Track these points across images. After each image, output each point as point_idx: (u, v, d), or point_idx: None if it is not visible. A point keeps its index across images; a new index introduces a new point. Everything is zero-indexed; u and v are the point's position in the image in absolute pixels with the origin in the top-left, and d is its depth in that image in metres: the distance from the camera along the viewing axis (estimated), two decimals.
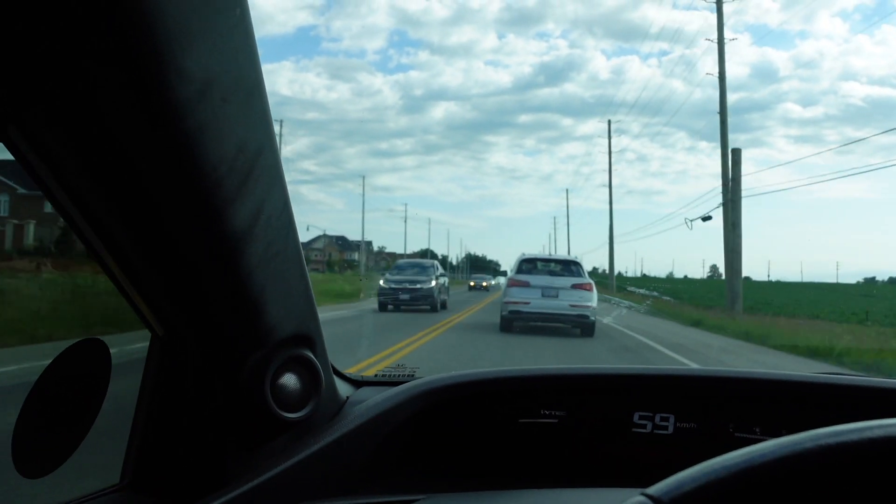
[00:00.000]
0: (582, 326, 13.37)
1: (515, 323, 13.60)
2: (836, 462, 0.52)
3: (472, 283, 52.24)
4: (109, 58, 0.69)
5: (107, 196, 0.84)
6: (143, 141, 0.78)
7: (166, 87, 0.73)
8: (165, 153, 0.79)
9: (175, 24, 0.70)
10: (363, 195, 70.03)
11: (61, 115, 0.75)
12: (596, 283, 14.35)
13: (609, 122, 47.69)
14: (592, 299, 13.45)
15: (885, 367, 11.23)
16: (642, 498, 0.53)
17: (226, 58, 0.78)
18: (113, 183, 0.82)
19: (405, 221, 77.41)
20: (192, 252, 0.92)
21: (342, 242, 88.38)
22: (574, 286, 13.49)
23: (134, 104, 0.74)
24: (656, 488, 0.53)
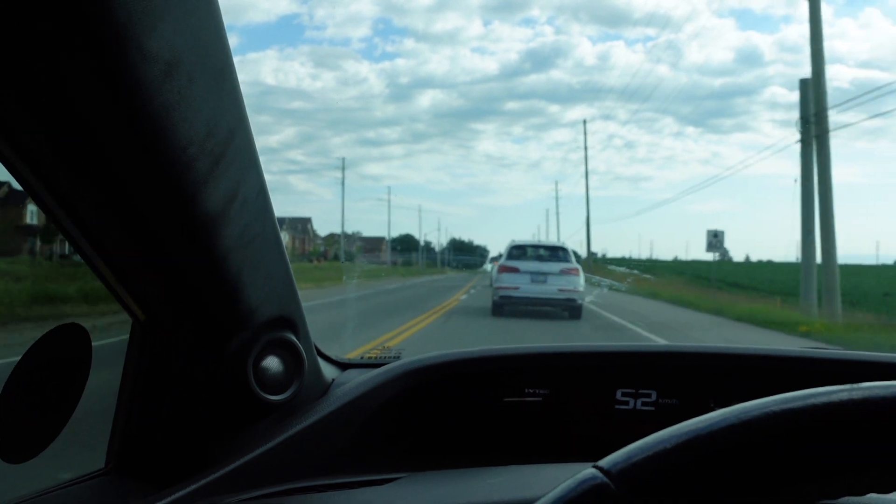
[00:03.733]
0: (570, 310, 14.21)
1: (506, 307, 14.42)
2: (783, 430, 0.52)
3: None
4: (69, 38, 0.69)
5: (77, 180, 0.84)
6: (108, 123, 0.77)
7: (130, 67, 0.72)
8: (132, 135, 0.79)
9: (136, 1, 0.69)
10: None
11: (23, 98, 0.74)
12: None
13: None
14: (580, 283, 14.25)
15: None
16: (593, 470, 0.52)
17: (191, 36, 0.78)
18: (81, 166, 0.82)
19: (342, 184, 64.50)
20: (166, 234, 0.92)
21: None
22: (562, 271, 14.27)
23: (97, 86, 0.73)
24: (607, 460, 0.53)
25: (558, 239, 59.16)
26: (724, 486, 0.51)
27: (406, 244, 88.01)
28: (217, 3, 0.81)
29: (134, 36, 0.70)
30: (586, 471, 0.53)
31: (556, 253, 15.38)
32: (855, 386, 0.53)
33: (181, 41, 0.77)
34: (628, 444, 0.55)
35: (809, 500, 0.51)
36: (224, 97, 0.87)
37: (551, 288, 14.12)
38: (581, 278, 14.46)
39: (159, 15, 0.72)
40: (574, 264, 14.76)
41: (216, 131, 0.86)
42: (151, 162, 0.82)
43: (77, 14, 0.67)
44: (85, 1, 0.66)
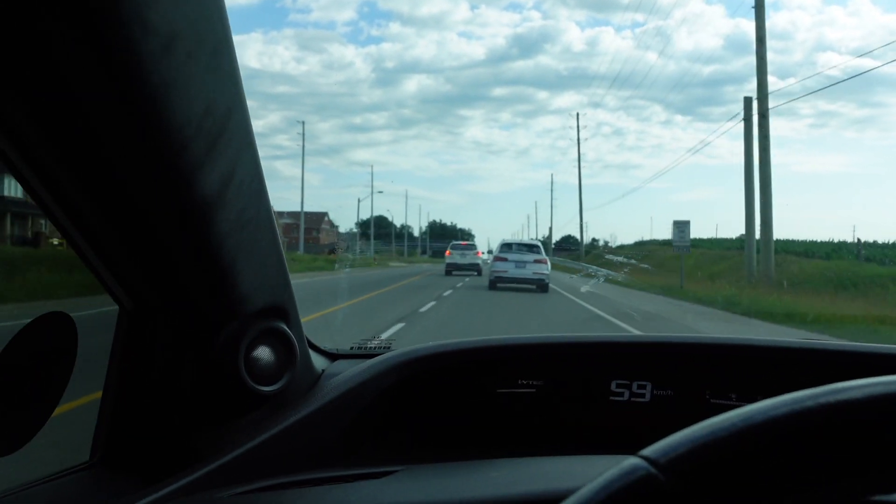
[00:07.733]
0: (540, 286, 20.69)
1: (498, 284, 20.79)
2: (836, 420, 0.50)
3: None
4: (68, 10, 0.65)
5: (66, 159, 0.80)
6: (104, 99, 0.74)
7: (129, 40, 0.69)
8: (128, 112, 0.76)
9: None
10: None
11: (15, 73, 0.71)
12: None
13: None
14: (547, 269, 21.30)
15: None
16: (637, 460, 0.50)
17: (190, 11, 0.75)
18: (72, 144, 0.79)
19: None
20: (159, 218, 0.89)
21: None
22: (535, 260, 21.05)
23: (95, 59, 0.70)
24: (652, 450, 0.51)
25: (582, 226, 62.30)
26: (782, 477, 0.49)
27: (377, 227, 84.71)
28: None
29: (134, 7, 0.67)
30: (630, 461, 0.50)
31: (532, 248, 22.01)
32: None
33: (180, 15, 0.73)
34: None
35: (872, 491, 0.49)
36: (223, 75, 0.84)
37: (528, 271, 20.78)
38: (548, 265, 21.63)
39: None
40: (543, 256, 21.66)
41: (214, 110, 0.83)
42: (147, 141, 0.79)
43: None
44: None
